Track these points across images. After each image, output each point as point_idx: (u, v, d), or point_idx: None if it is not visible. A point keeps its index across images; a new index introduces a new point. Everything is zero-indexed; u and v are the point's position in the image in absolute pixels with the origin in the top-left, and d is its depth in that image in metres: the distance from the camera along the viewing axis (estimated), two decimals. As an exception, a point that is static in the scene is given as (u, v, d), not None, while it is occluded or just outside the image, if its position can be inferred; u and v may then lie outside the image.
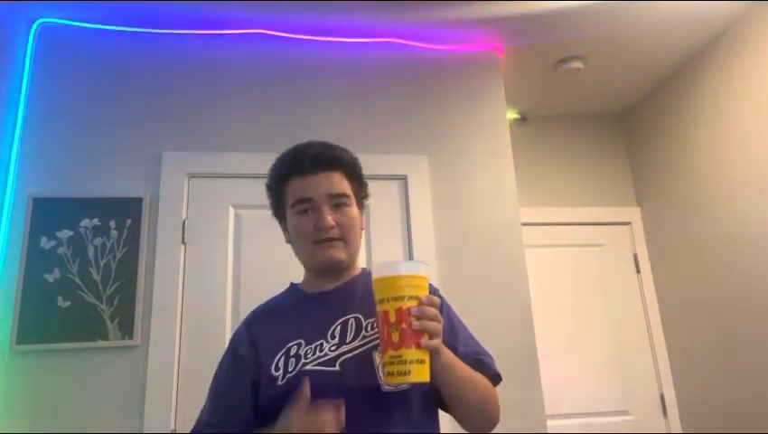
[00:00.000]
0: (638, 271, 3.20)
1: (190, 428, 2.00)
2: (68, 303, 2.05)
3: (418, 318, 0.94)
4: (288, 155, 1.19)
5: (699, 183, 2.81)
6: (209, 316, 2.16)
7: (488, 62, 2.68)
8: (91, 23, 2.39)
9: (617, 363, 3.03)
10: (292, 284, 1.27)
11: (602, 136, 3.44)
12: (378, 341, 1.07)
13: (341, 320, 1.12)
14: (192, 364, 2.09)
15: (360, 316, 1.12)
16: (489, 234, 2.42)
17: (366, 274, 1.23)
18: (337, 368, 1.06)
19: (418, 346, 0.93)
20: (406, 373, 0.92)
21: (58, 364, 2.01)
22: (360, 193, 1.22)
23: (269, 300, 1.26)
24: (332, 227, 1.12)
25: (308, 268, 1.21)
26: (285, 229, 1.23)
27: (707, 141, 2.76)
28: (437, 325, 0.96)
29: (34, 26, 2.33)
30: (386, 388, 1.04)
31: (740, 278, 2.55)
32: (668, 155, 3.06)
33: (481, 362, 1.14)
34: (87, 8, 2.32)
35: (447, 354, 1.02)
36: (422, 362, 0.94)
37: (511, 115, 3.23)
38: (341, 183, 1.16)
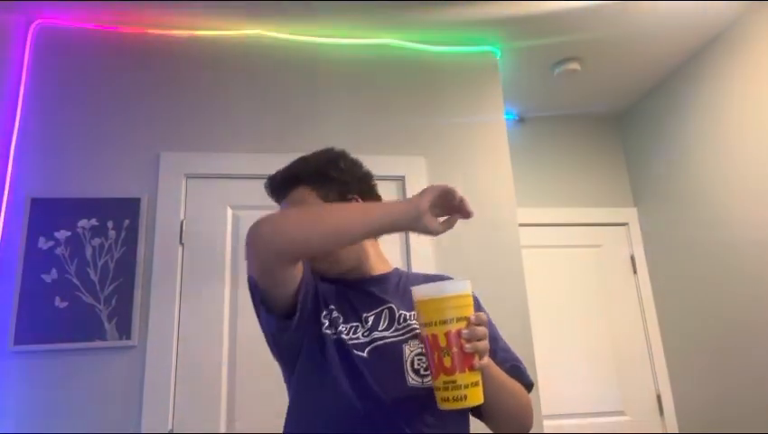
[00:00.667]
0: (635, 272, 3.21)
1: (188, 428, 2.01)
2: (65, 303, 2.05)
3: (469, 340, 0.91)
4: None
5: (696, 184, 2.82)
6: (206, 316, 2.16)
7: (485, 63, 2.69)
8: (89, 23, 2.39)
9: (614, 364, 3.04)
10: None
11: (599, 137, 3.45)
12: (408, 335, 1.08)
13: (375, 310, 1.13)
14: (190, 365, 2.09)
15: (394, 307, 1.13)
16: (486, 235, 2.42)
17: (398, 272, 1.25)
18: (365, 355, 1.06)
19: (471, 369, 0.91)
20: (461, 399, 0.90)
21: (55, 365, 2.01)
22: (334, 192, 1.18)
23: None
24: None
25: None
26: None
27: (703, 142, 2.77)
28: (487, 344, 0.94)
29: (32, 27, 2.33)
30: (411, 384, 1.04)
31: (737, 279, 2.56)
32: (665, 156, 3.07)
33: (517, 369, 1.14)
34: (85, 9, 2.32)
35: (490, 364, 1.00)
36: (476, 384, 0.92)
37: (509, 116, 3.24)
38: (301, 200, 1.17)
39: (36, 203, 2.14)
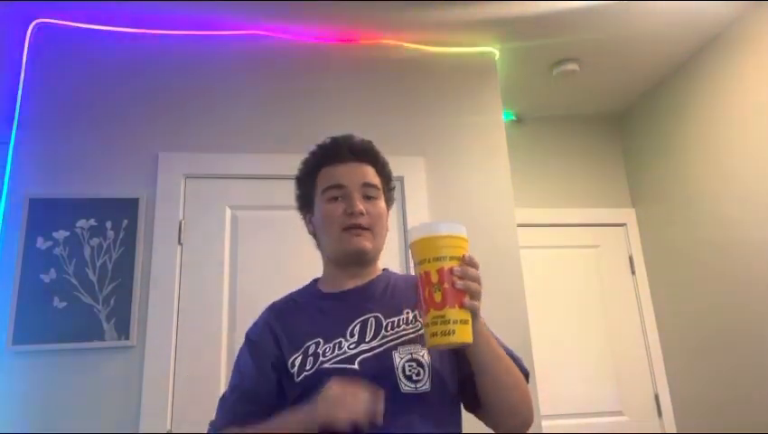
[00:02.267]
0: (633, 272, 3.21)
1: (186, 428, 2.01)
2: (64, 303, 2.05)
3: (461, 278, 0.92)
4: (323, 145, 1.22)
5: (695, 184, 2.83)
6: (205, 316, 2.16)
7: (484, 64, 2.69)
8: (88, 23, 2.39)
9: (612, 364, 3.04)
10: (313, 280, 1.25)
11: (597, 138, 3.45)
12: (398, 341, 1.07)
13: (360, 319, 1.10)
14: (189, 365, 2.10)
15: (381, 316, 1.11)
16: (485, 235, 2.42)
17: (386, 274, 1.23)
18: (356, 367, 1.04)
19: (461, 306, 0.91)
20: (450, 333, 0.89)
21: (54, 365, 2.01)
22: (388, 192, 1.23)
23: (286, 296, 1.24)
24: (362, 214, 1.12)
25: (331, 261, 1.19)
26: (309, 221, 1.23)
27: (702, 143, 2.78)
28: (479, 287, 0.94)
29: (31, 26, 2.33)
30: (405, 390, 1.03)
31: (734, 280, 2.57)
32: (663, 157, 3.07)
33: (513, 357, 1.11)
34: (84, 8, 2.32)
35: (485, 325, 1.01)
36: (465, 322, 0.91)
37: (507, 116, 3.24)
38: (374, 176, 1.19)
39: (35, 203, 2.14)
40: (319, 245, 1.22)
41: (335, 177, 1.16)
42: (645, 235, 3.24)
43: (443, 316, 0.90)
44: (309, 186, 1.21)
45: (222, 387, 2.09)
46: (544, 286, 3.03)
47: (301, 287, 1.26)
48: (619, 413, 2.97)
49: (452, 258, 0.93)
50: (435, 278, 0.92)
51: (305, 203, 1.23)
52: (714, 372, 2.70)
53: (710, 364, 2.72)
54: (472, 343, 0.94)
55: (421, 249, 0.95)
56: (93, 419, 1.98)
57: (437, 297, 0.91)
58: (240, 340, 1.14)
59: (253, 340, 1.16)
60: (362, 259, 1.16)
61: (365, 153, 1.20)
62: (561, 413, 2.86)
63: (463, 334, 0.91)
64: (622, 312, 3.14)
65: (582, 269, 3.18)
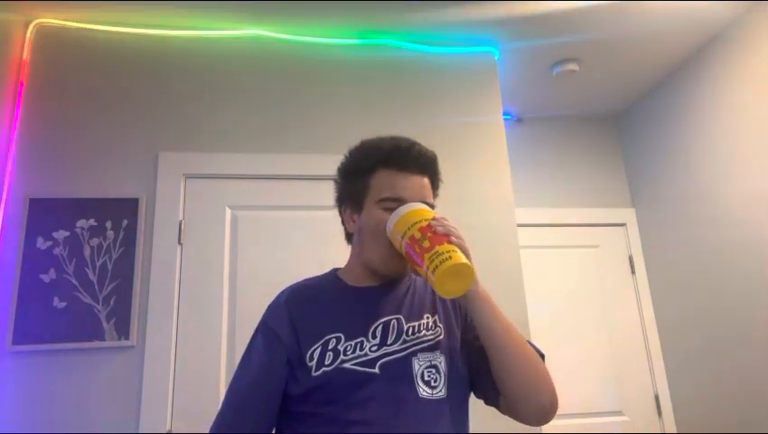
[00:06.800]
0: (633, 272, 3.21)
1: (186, 428, 2.01)
2: (64, 303, 2.05)
3: (440, 226, 1.01)
4: (387, 146, 1.14)
5: (694, 184, 2.83)
6: (205, 316, 2.16)
7: (484, 64, 2.69)
8: (88, 23, 2.39)
9: (612, 364, 3.04)
10: (333, 270, 1.22)
11: (597, 138, 3.45)
12: (417, 347, 1.07)
13: (383, 320, 1.09)
14: (188, 365, 2.10)
15: (402, 319, 1.10)
16: (485, 235, 2.42)
17: (411, 278, 1.20)
18: (377, 370, 1.04)
19: (450, 243, 1.00)
20: (448, 259, 0.96)
21: (54, 365, 2.01)
22: (433, 201, 1.18)
23: (306, 281, 1.20)
24: None
25: (366, 266, 1.15)
26: (352, 219, 1.17)
27: (701, 143, 2.78)
28: (459, 232, 1.03)
29: (31, 27, 2.33)
30: (423, 395, 1.03)
31: (734, 279, 2.57)
32: (663, 157, 3.07)
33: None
34: (84, 9, 2.32)
35: (485, 291, 1.07)
36: (456, 251, 0.99)
37: (507, 116, 3.24)
38: (430, 190, 1.16)
39: (35, 203, 2.14)
40: (355, 243, 1.18)
41: (397, 189, 1.10)
42: (645, 235, 3.24)
43: (436, 252, 0.98)
44: (360, 184, 1.14)
45: (223, 387, 2.09)
46: (544, 286, 3.04)
47: (319, 274, 1.22)
48: (619, 413, 2.98)
49: (425, 219, 1.03)
50: (418, 235, 1.01)
51: (352, 201, 1.16)
52: (714, 371, 2.70)
53: (710, 364, 2.72)
54: (473, 304, 1.04)
55: (399, 228, 1.04)
56: (93, 420, 1.98)
57: (426, 243, 0.99)
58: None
59: (270, 327, 1.11)
60: (399, 278, 1.15)
61: (428, 163, 1.16)
62: (561, 413, 2.82)
63: (458, 258, 0.98)
64: (621, 312, 3.14)
65: (582, 269, 3.18)
